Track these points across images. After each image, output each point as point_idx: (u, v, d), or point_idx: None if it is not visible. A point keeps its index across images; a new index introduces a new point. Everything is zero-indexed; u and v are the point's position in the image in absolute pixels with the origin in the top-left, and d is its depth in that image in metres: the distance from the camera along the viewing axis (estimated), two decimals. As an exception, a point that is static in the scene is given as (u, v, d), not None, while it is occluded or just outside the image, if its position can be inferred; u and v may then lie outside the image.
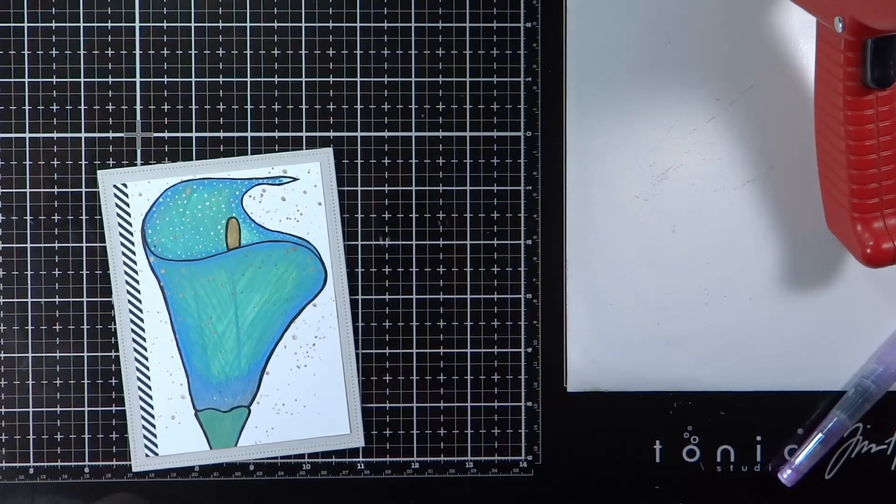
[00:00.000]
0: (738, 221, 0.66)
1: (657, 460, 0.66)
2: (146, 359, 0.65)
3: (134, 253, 0.65)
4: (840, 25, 0.54)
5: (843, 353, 0.66)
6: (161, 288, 0.65)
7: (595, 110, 0.65)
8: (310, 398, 0.65)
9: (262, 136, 0.65)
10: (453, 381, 0.66)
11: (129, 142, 0.65)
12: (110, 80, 0.65)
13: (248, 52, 0.65)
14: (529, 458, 0.66)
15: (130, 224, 0.65)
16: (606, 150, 0.66)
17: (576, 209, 0.66)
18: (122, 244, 0.64)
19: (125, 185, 0.65)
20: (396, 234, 0.66)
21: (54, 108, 0.65)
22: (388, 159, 0.66)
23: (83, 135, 0.65)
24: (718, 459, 0.66)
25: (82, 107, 0.65)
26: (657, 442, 0.66)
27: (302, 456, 0.66)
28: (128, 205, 0.65)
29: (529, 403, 0.66)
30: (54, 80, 0.65)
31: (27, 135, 0.65)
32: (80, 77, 0.65)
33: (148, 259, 0.65)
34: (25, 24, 0.65)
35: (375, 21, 0.65)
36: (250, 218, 0.65)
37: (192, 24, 0.65)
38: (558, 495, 0.67)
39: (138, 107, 0.65)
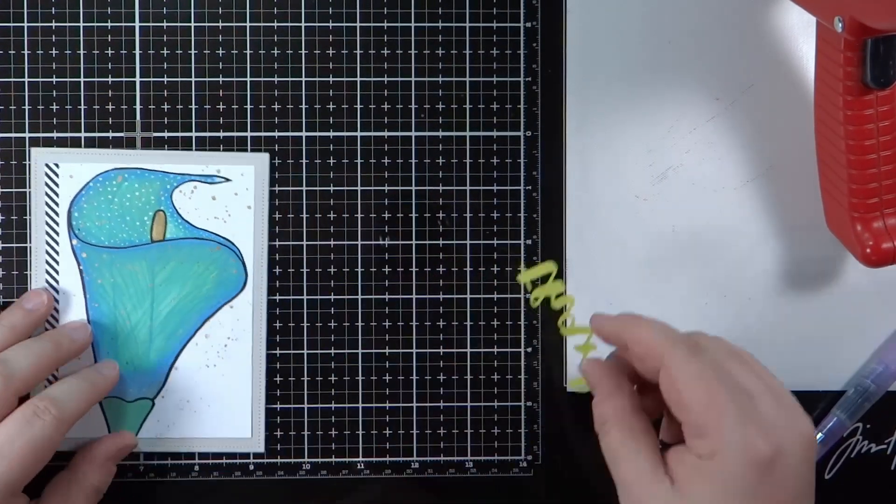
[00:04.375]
0: (738, 221, 0.66)
1: (657, 460, 0.66)
2: None
3: (57, 234, 0.64)
4: (840, 25, 0.54)
5: (843, 353, 0.66)
6: (80, 272, 0.65)
7: (595, 110, 0.65)
8: (215, 399, 0.65)
9: (261, 135, 0.65)
10: (453, 380, 0.66)
11: (129, 142, 0.65)
12: (110, 80, 0.65)
13: (248, 52, 0.65)
14: (529, 457, 0.66)
15: (57, 204, 0.65)
16: (606, 151, 0.66)
17: (576, 209, 0.66)
18: (47, 223, 0.64)
19: (57, 165, 0.64)
20: (396, 234, 0.66)
21: (54, 107, 0.65)
22: (388, 159, 0.66)
23: (83, 135, 0.65)
24: (718, 459, 0.66)
25: (82, 107, 0.65)
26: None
27: (302, 455, 0.66)
28: (57, 185, 0.64)
29: (529, 403, 0.66)
30: (54, 80, 0.65)
31: (27, 135, 0.65)
32: (80, 77, 0.65)
33: (70, 241, 0.65)
34: (25, 24, 0.65)
35: (375, 21, 0.65)
36: (178, 213, 0.65)
37: (192, 24, 0.65)
38: (558, 495, 0.67)
39: (138, 107, 0.65)
